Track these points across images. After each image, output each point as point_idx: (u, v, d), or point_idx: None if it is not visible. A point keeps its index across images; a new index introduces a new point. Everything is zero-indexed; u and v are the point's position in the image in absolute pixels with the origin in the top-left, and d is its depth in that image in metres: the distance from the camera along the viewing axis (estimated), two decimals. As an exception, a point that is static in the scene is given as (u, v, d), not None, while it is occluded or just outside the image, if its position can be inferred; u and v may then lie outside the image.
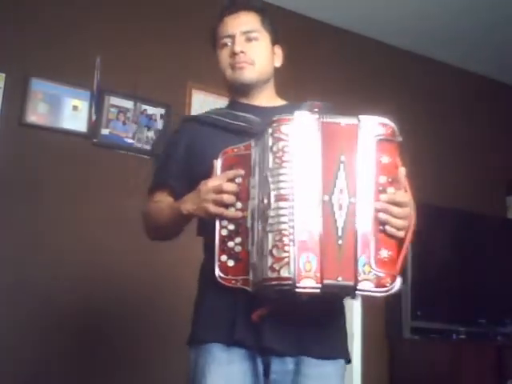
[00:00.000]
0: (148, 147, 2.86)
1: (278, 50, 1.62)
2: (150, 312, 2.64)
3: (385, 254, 1.22)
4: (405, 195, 1.27)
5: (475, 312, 3.32)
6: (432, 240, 3.28)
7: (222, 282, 1.30)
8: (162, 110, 2.92)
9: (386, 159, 1.25)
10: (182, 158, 1.53)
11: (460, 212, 3.52)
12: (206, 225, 1.42)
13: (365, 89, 3.46)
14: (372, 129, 1.26)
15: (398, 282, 1.21)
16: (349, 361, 1.47)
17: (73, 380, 2.48)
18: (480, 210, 3.61)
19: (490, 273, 3.43)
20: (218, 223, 1.32)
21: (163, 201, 1.53)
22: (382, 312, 3.26)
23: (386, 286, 1.20)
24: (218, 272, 1.30)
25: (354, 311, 3.19)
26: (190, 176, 1.48)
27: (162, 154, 1.63)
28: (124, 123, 2.83)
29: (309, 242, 1.20)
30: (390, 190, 1.25)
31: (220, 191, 1.30)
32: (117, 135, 2.80)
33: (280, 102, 1.62)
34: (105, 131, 2.77)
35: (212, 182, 1.32)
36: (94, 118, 2.74)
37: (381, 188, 1.24)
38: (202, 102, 3.01)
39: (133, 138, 2.84)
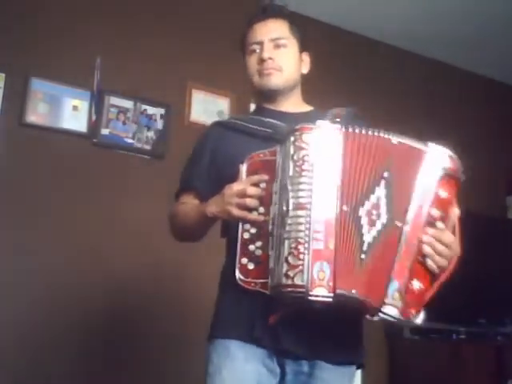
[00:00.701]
0: (148, 147, 2.86)
1: (306, 57, 1.65)
2: (158, 314, 2.65)
3: (417, 285, 1.21)
4: (452, 237, 1.27)
5: (475, 312, 3.32)
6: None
7: (242, 284, 1.32)
8: (161, 110, 2.92)
9: (444, 194, 1.25)
10: (207, 161, 1.56)
11: (460, 212, 3.51)
12: (229, 227, 1.46)
13: (364, 89, 3.46)
14: (439, 159, 1.26)
15: (421, 316, 1.22)
16: (359, 366, 1.49)
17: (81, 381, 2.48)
18: (480, 210, 3.61)
19: (490, 273, 3.42)
20: (240, 226, 1.34)
21: (189, 203, 1.57)
22: (382, 312, 3.26)
23: (408, 317, 1.20)
24: (238, 274, 1.32)
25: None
26: (215, 179, 1.51)
27: (189, 159, 1.65)
28: (124, 123, 2.83)
29: (323, 251, 1.20)
30: (440, 224, 1.24)
31: (244, 195, 1.33)
32: (117, 135, 2.80)
33: (306, 108, 1.63)
34: (105, 131, 2.77)
35: (236, 186, 1.34)
36: (94, 117, 2.74)
37: (431, 220, 1.23)
38: (202, 102, 3.02)
39: (133, 138, 2.84)
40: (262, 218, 1.32)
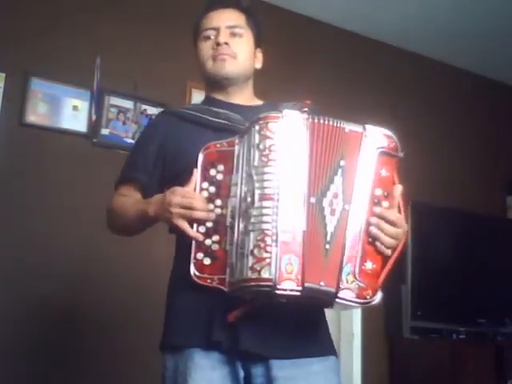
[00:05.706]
0: (148, 147, 2.86)
1: (259, 54, 1.60)
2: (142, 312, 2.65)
3: (369, 266, 1.20)
4: (398, 215, 1.24)
5: (475, 312, 3.32)
6: (432, 240, 3.28)
7: (197, 280, 1.26)
8: (161, 110, 2.92)
9: (384, 172, 1.23)
10: (154, 152, 1.48)
11: (460, 212, 3.52)
12: None
13: (364, 89, 3.46)
14: (376, 139, 1.24)
15: (379, 296, 1.20)
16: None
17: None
18: (480, 210, 3.61)
19: (490, 273, 3.43)
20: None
21: (130, 196, 1.49)
22: (381, 312, 3.26)
23: (366, 298, 1.19)
24: (193, 270, 1.26)
25: (354, 311, 3.20)
26: (163, 172, 1.46)
27: (134, 148, 1.58)
28: (124, 123, 2.83)
29: (292, 244, 1.17)
30: (385, 203, 1.23)
31: (188, 207, 1.26)
32: (117, 135, 2.80)
33: (258, 102, 1.58)
34: (105, 131, 2.77)
35: (182, 196, 1.27)
36: (94, 118, 2.74)
37: (376, 200, 1.22)
38: (202, 102, 3.02)
39: (133, 138, 2.83)
40: (200, 235, 1.26)
